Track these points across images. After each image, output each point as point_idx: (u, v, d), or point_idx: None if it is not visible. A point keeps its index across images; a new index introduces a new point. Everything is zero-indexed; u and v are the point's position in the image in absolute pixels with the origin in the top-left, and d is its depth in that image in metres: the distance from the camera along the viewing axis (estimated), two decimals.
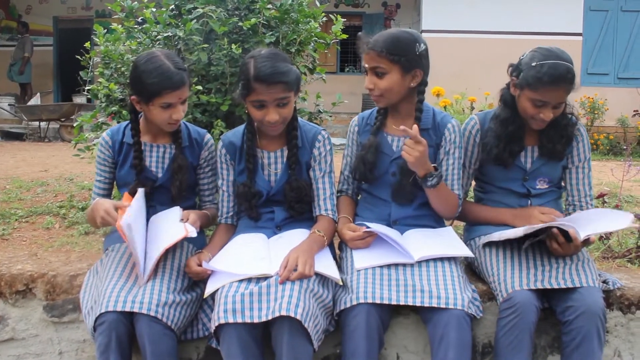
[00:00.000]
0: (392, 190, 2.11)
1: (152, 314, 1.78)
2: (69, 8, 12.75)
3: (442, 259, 1.97)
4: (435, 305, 1.83)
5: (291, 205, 2.09)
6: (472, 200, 2.37)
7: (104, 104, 2.91)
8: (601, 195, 2.82)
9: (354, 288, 1.86)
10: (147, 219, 2.05)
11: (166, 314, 1.81)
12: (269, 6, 2.80)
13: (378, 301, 1.83)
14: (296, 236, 2.00)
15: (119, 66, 2.87)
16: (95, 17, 12.26)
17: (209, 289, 1.86)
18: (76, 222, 2.91)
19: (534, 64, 1.99)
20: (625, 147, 7.75)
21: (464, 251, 2.02)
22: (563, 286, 1.88)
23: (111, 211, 1.89)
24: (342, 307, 1.85)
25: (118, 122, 2.62)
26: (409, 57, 2.00)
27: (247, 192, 2.08)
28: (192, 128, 2.23)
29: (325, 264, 1.92)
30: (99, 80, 2.92)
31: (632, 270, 2.34)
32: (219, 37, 2.69)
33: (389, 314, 1.93)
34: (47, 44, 12.77)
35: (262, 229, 2.10)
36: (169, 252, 1.95)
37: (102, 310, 1.78)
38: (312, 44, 2.97)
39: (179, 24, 2.74)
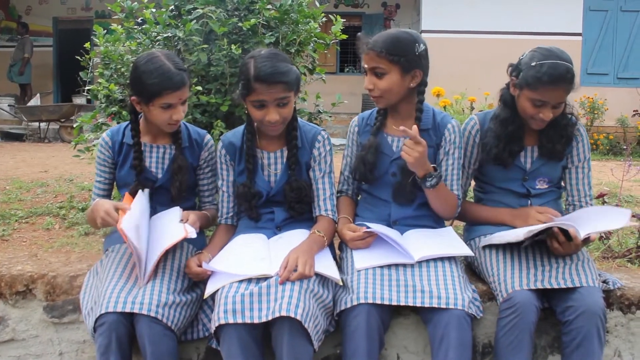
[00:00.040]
0: (392, 190, 2.11)
1: (152, 314, 1.78)
2: (69, 9, 12.75)
3: (442, 259, 1.97)
4: (436, 306, 1.83)
5: (291, 205, 2.09)
6: (472, 200, 2.37)
7: (103, 105, 2.91)
8: (601, 195, 2.82)
9: (354, 288, 1.86)
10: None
11: (166, 314, 1.81)
12: (269, 7, 2.80)
13: (378, 301, 1.83)
14: (296, 236, 2.00)
15: (118, 67, 2.87)
16: (95, 18, 12.26)
17: (209, 290, 1.86)
18: (76, 223, 2.91)
19: (533, 64, 1.99)
20: (625, 147, 7.75)
21: (464, 250, 2.02)
22: (563, 286, 1.88)
23: (111, 212, 1.89)
24: (343, 308, 1.85)
25: (118, 123, 2.62)
26: (409, 58, 2.00)
27: (247, 192, 2.09)
28: (192, 129, 2.23)
29: (325, 265, 1.92)
30: (99, 80, 2.92)
31: (632, 270, 2.34)
32: (218, 38, 2.69)
33: (390, 314, 1.93)
34: (47, 44, 12.77)
35: (262, 229, 2.10)
36: (169, 253, 1.95)
37: (102, 311, 1.78)
38: (312, 45, 2.97)
39: (179, 24, 2.74)
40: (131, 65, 2.18)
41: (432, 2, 9.21)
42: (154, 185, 2.13)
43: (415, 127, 1.95)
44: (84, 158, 3.05)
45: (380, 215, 2.15)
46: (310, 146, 2.13)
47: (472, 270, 2.21)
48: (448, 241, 2.07)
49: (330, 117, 3.14)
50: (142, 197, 2.04)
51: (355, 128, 2.24)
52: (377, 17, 12.03)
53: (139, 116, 2.14)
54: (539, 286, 1.88)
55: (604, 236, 2.55)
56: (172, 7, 2.90)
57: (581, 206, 2.16)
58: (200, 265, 1.94)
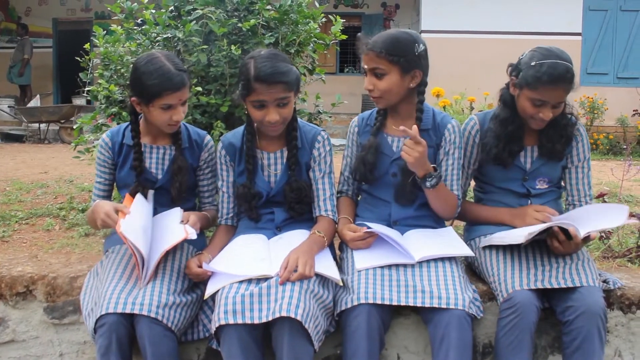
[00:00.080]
0: (394, 191, 2.11)
1: (153, 315, 1.78)
2: (69, 10, 12.75)
3: (442, 259, 1.97)
4: (436, 306, 1.83)
5: (291, 206, 2.09)
6: (472, 200, 2.37)
7: (103, 106, 2.91)
8: (601, 195, 2.82)
9: (355, 288, 1.86)
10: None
11: (166, 315, 1.81)
12: (268, 7, 2.80)
13: (379, 302, 1.83)
14: (296, 237, 2.00)
15: (118, 67, 2.87)
16: (94, 19, 12.26)
17: (209, 290, 1.86)
18: (76, 224, 2.91)
19: (533, 64, 1.99)
20: (625, 147, 7.75)
21: (464, 250, 2.02)
22: (563, 286, 1.88)
23: (111, 214, 1.89)
24: (343, 308, 1.85)
25: (118, 124, 2.62)
26: (408, 58, 2.00)
27: (247, 193, 2.09)
28: (192, 129, 2.23)
29: (326, 265, 1.92)
30: (99, 81, 2.92)
31: (632, 269, 2.34)
32: (218, 38, 2.69)
33: (390, 314, 1.93)
34: (47, 45, 12.77)
35: (262, 229, 2.10)
36: (169, 254, 1.95)
37: (103, 312, 1.78)
38: (312, 45, 2.97)
39: (179, 25, 2.74)
40: (131, 66, 2.18)
41: (432, 2, 9.21)
42: (154, 186, 2.13)
43: (415, 127, 1.95)
44: (84, 159, 3.05)
45: (381, 215, 2.15)
46: (310, 146, 2.13)
47: (472, 270, 2.21)
48: (448, 241, 2.07)
49: (330, 117, 3.14)
50: (142, 198, 2.04)
51: (355, 128, 2.24)
52: (377, 18, 12.03)
53: (139, 117, 2.14)
54: (539, 286, 1.88)
55: (604, 236, 2.55)
56: (172, 7, 2.90)
57: (581, 206, 2.16)
58: (200, 266, 1.94)
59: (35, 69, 11.98)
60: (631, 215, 2.31)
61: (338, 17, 3.03)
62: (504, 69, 2.15)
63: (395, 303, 1.85)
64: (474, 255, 2.08)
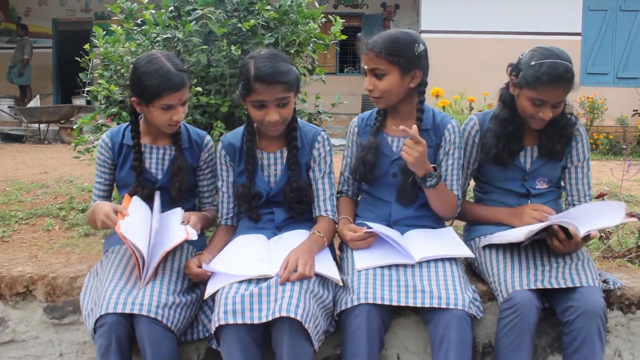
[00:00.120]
0: (396, 191, 2.11)
1: (152, 315, 1.78)
2: (68, 10, 12.75)
3: (442, 260, 1.97)
4: (436, 306, 1.83)
5: (291, 206, 2.09)
6: (472, 200, 2.37)
7: (103, 106, 2.91)
8: (601, 195, 2.82)
9: (355, 288, 1.86)
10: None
11: (166, 315, 1.81)
12: (268, 7, 2.80)
13: (379, 302, 1.83)
14: (296, 237, 2.00)
15: (118, 68, 2.87)
16: (94, 19, 12.26)
17: (209, 290, 1.86)
18: (76, 224, 2.91)
19: (533, 63, 1.99)
20: (624, 147, 7.75)
21: (464, 252, 2.02)
22: (563, 286, 1.88)
23: (111, 215, 1.89)
24: (343, 308, 1.85)
25: (118, 124, 2.62)
26: (408, 58, 2.00)
27: (246, 193, 2.09)
28: (192, 130, 2.23)
29: (326, 265, 1.92)
30: (99, 82, 2.92)
31: (632, 269, 2.34)
32: (218, 39, 2.70)
33: (390, 314, 1.93)
34: (47, 46, 12.78)
35: (262, 230, 2.10)
36: (169, 254, 1.95)
37: (102, 312, 1.78)
38: (311, 45, 2.97)
39: (178, 25, 2.74)
40: (131, 66, 2.18)
41: (432, 2, 9.21)
42: (154, 186, 2.13)
43: (415, 126, 1.94)
44: (83, 159, 3.05)
45: (381, 215, 2.15)
46: (310, 147, 2.13)
47: (472, 270, 2.21)
48: (448, 242, 2.07)
49: (329, 117, 3.14)
50: (139, 200, 2.04)
51: (355, 129, 2.24)
52: (377, 18, 12.03)
53: (139, 117, 2.14)
54: (539, 286, 1.88)
55: (604, 236, 2.55)
56: (172, 8, 2.90)
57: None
58: (200, 266, 1.94)
59: (35, 70, 11.99)
60: (631, 215, 2.31)
61: (338, 17, 3.03)
62: (504, 69, 2.15)
63: (395, 303, 1.85)
64: (473, 256, 2.08)
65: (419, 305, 1.85)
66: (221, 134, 2.59)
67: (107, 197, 2.17)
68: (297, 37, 2.84)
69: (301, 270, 1.80)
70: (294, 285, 1.77)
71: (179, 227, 1.97)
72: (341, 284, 1.91)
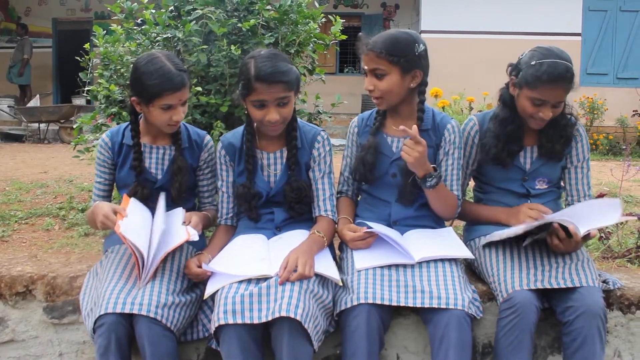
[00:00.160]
0: (398, 192, 2.11)
1: (152, 315, 1.78)
2: (68, 10, 12.75)
3: (442, 260, 1.97)
4: (436, 306, 1.83)
5: (291, 206, 2.09)
6: (472, 200, 2.37)
7: (103, 106, 2.91)
8: (601, 196, 2.82)
9: (355, 288, 1.86)
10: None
11: (166, 315, 1.81)
12: (268, 7, 2.80)
13: (378, 302, 1.83)
14: (296, 237, 2.00)
15: (118, 67, 2.87)
16: (94, 19, 12.26)
17: (208, 290, 1.86)
18: (76, 224, 2.90)
19: (533, 63, 1.99)
20: (624, 147, 7.75)
21: (464, 252, 2.02)
22: (563, 286, 1.88)
23: (110, 215, 1.89)
24: (343, 308, 1.85)
25: (118, 124, 2.62)
26: (409, 58, 2.00)
27: (246, 193, 2.08)
28: (191, 129, 2.23)
29: (325, 265, 1.92)
30: (99, 81, 2.92)
31: (632, 270, 2.34)
32: (218, 38, 2.69)
33: (390, 314, 1.93)
34: (47, 45, 12.77)
35: (261, 229, 2.10)
36: (169, 254, 1.95)
37: (102, 312, 1.78)
38: (311, 45, 2.97)
39: (178, 25, 2.74)
40: (131, 66, 2.18)
41: (432, 2, 9.21)
42: (154, 186, 2.13)
43: (415, 127, 1.94)
44: (83, 159, 3.04)
45: (381, 215, 2.14)
46: (309, 146, 2.13)
47: (472, 270, 2.21)
48: (448, 242, 2.07)
49: (329, 117, 3.14)
50: (137, 201, 2.03)
51: (355, 129, 2.24)
52: (377, 18, 12.03)
53: (139, 117, 2.14)
54: (539, 286, 1.88)
55: (604, 236, 2.55)
56: (172, 7, 2.90)
57: None
58: (200, 266, 1.94)
59: (35, 69, 11.99)
60: (630, 215, 2.32)
61: (338, 17, 3.02)
62: (504, 69, 2.15)
63: (394, 303, 1.85)
64: (473, 257, 2.08)
65: (418, 305, 1.85)
66: (221, 133, 2.59)
67: (107, 197, 2.17)
68: (297, 37, 2.84)
69: (301, 270, 1.80)
70: (293, 285, 1.77)
71: (180, 227, 1.97)
72: (341, 284, 1.91)
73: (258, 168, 2.12)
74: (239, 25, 2.72)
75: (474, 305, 1.90)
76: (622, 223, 2.60)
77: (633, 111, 8.66)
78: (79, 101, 10.31)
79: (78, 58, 3.10)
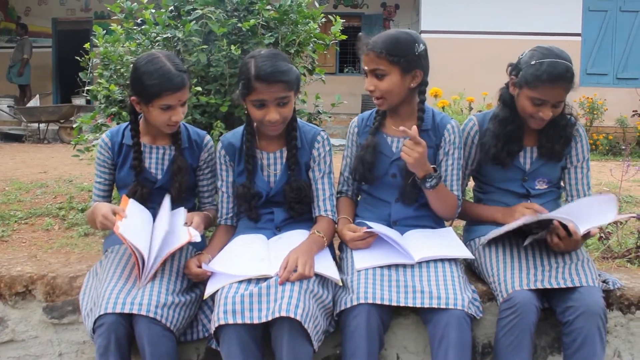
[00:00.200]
0: (398, 192, 2.11)
1: (151, 315, 1.78)
2: (68, 10, 12.75)
3: (442, 260, 1.97)
4: (435, 306, 1.83)
5: (291, 206, 2.09)
6: (472, 200, 2.37)
7: (103, 105, 2.90)
8: None
9: (355, 288, 1.86)
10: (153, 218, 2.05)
11: (165, 315, 1.81)
12: (268, 7, 2.80)
13: (378, 302, 1.83)
14: (296, 237, 2.00)
15: (118, 67, 2.87)
16: (94, 19, 12.26)
17: (208, 290, 1.86)
18: (76, 224, 2.90)
19: (533, 63, 1.99)
20: (624, 148, 7.75)
21: (463, 252, 2.02)
22: (563, 286, 1.88)
23: (109, 216, 1.89)
24: (343, 308, 1.85)
25: (117, 124, 2.62)
26: (409, 58, 2.00)
27: (246, 193, 2.08)
28: (191, 129, 2.23)
29: (325, 265, 1.92)
30: (99, 81, 2.92)
31: (632, 270, 2.34)
32: (218, 38, 2.69)
33: (389, 314, 1.93)
34: (46, 45, 12.77)
35: (261, 229, 2.10)
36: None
37: (101, 312, 1.78)
38: (311, 45, 2.97)
39: (178, 25, 2.74)
40: (131, 65, 2.18)
41: (432, 2, 9.21)
42: (154, 186, 2.13)
43: (415, 127, 1.94)
44: (83, 159, 3.04)
45: (380, 215, 2.14)
46: (309, 146, 2.13)
47: (472, 270, 2.21)
48: (448, 242, 2.07)
49: (329, 117, 3.14)
50: (136, 202, 2.03)
51: (354, 129, 2.24)
52: (377, 18, 12.04)
53: (139, 117, 2.14)
54: (539, 286, 1.88)
55: (604, 236, 2.55)
56: (172, 7, 2.90)
57: None
58: (199, 266, 1.93)
59: (35, 69, 11.99)
60: (633, 215, 2.33)
61: (338, 17, 3.02)
62: (504, 69, 2.15)
63: (394, 303, 1.85)
64: (473, 257, 2.08)
65: (418, 305, 1.85)
66: (221, 133, 2.59)
67: (107, 197, 2.17)
68: (297, 37, 2.84)
69: (301, 270, 1.80)
70: (293, 285, 1.77)
71: (182, 228, 1.97)
72: (341, 284, 1.91)
73: (258, 168, 2.12)
74: (239, 25, 2.72)
75: (474, 305, 1.90)
76: (622, 223, 2.60)
77: (633, 111, 8.66)
78: (78, 101, 10.31)
79: (78, 58, 3.10)
